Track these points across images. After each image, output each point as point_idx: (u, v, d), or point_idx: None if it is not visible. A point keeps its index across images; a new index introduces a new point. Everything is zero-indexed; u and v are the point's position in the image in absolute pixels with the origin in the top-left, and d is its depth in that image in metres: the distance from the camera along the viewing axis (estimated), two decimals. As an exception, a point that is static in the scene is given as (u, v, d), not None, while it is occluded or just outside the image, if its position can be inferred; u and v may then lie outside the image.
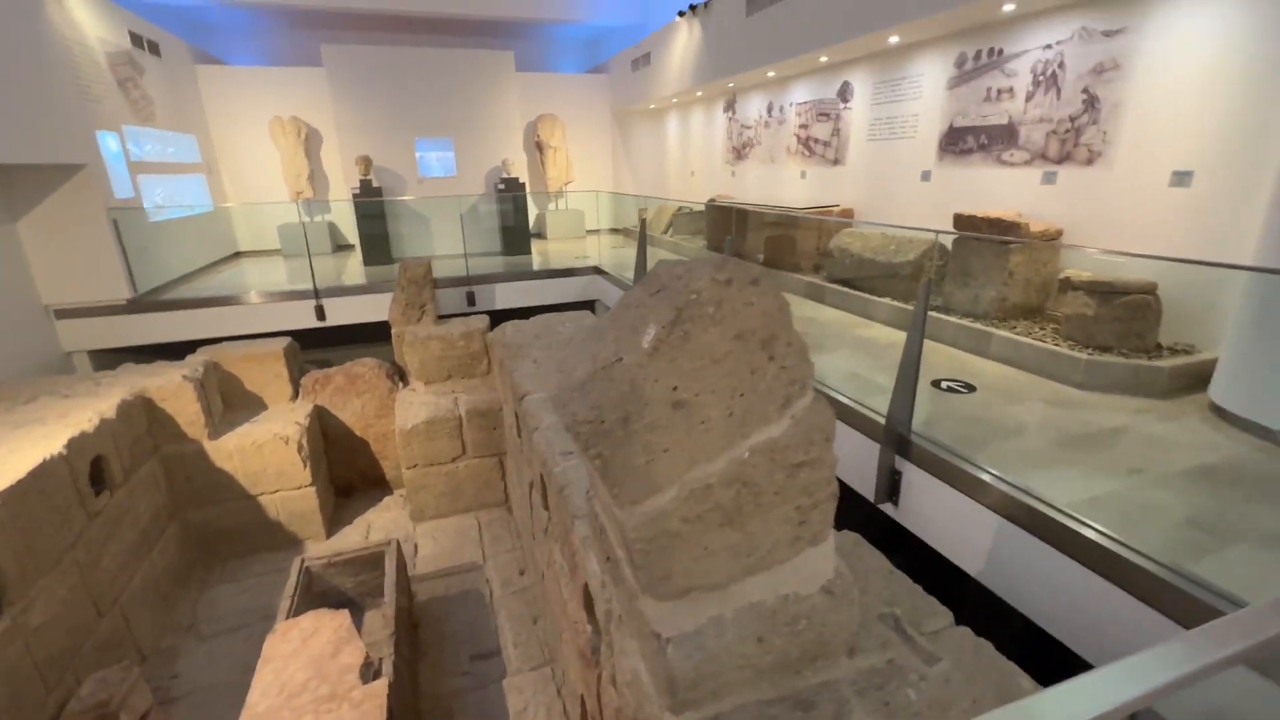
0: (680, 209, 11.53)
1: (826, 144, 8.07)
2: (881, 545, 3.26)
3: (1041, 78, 5.08)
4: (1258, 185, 3.62)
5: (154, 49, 8.95)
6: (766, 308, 1.48)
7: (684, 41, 9.79)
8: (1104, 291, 4.03)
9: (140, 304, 7.12)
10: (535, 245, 11.89)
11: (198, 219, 9.93)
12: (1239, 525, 2.44)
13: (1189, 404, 3.62)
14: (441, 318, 6.78)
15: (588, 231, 13.14)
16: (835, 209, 7.63)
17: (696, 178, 12.29)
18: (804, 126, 8.54)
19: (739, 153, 10.54)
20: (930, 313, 5.18)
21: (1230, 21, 3.88)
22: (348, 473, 6.18)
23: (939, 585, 2.87)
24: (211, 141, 10.89)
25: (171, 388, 4.63)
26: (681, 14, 9.45)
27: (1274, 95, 3.63)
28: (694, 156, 12.31)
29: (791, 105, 8.77)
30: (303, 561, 4.09)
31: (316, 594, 4.11)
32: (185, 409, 4.68)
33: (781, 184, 9.29)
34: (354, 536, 5.46)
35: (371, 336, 7.74)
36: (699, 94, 10.78)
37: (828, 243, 6.86)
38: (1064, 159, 4.98)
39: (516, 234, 10.73)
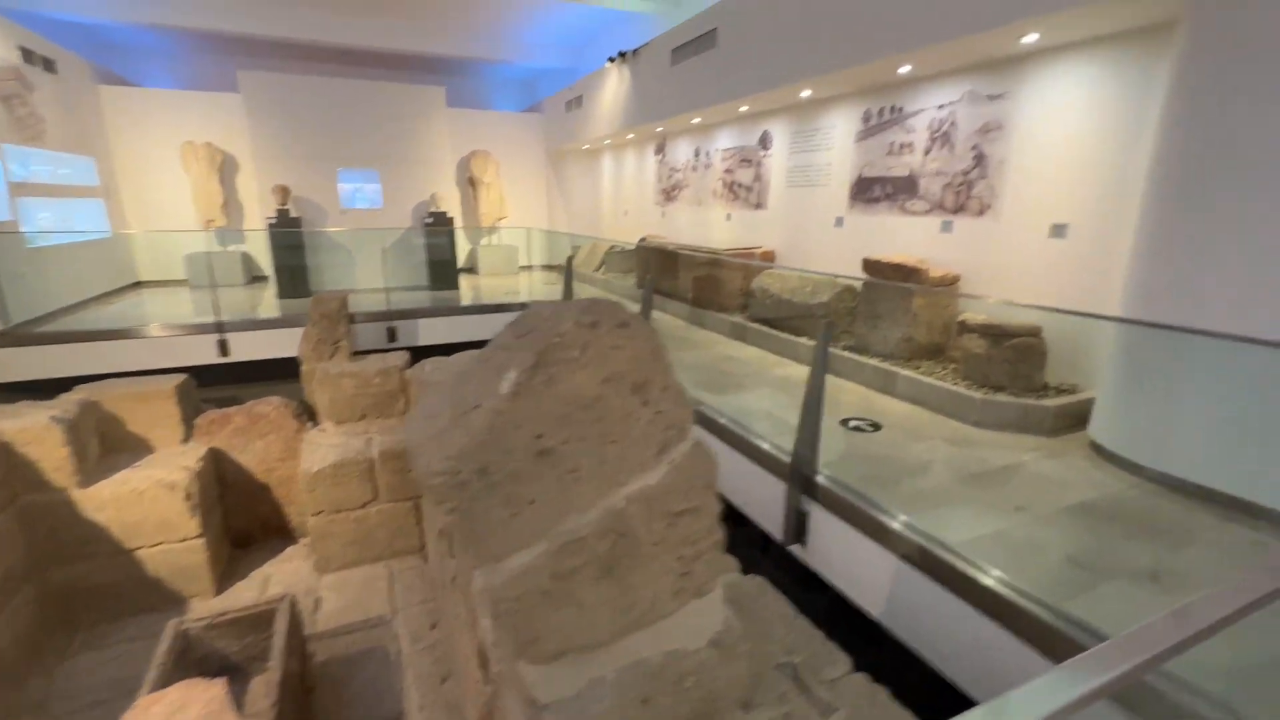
0: (613, 248, 11.65)
1: (749, 189, 8.39)
2: (798, 585, 3.26)
3: (937, 134, 5.47)
4: (1123, 238, 3.96)
5: (49, 66, 8.40)
6: (637, 351, 1.45)
7: (614, 86, 10.05)
8: (995, 334, 4.29)
9: (12, 337, 6.48)
10: (466, 280, 11.70)
11: (91, 245, 9.23)
12: (1114, 561, 2.57)
13: (1073, 441, 3.85)
14: (359, 354, 6.49)
15: (521, 268, 13.06)
16: (758, 251, 7.88)
17: (629, 217, 12.49)
18: (729, 171, 8.85)
19: (669, 194, 10.80)
20: (843, 353, 5.38)
21: (1092, 88, 4.31)
22: (246, 521, 5.71)
23: (851, 625, 2.88)
24: (113, 165, 10.23)
25: (35, 430, 4.18)
26: (611, 60, 9.72)
27: (1132, 155, 4.01)
28: (627, 197, 12.53)
29: (717, 151, 9.09)
30: (179, 623, 3.70)
31: (194, 661, 3.71)
32: (51, 454, 4.22)
33: (708, 226, 9.55)
34: (249, 592, 5.01)
35: (284, 373, 7.31)
36: (630, 137, 11.04)
37: (751, 284, 7.06)
38: (959, 210, 5.34)
39: (444, 268, 10.53)
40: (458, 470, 1.26)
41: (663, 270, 8.94)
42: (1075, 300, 4.43)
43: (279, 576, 5.19)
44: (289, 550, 5.57)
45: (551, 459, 1.36)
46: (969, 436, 3.97)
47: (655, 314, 8.57)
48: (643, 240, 10.65)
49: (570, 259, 7.17)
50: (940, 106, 5.42)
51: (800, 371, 5.58)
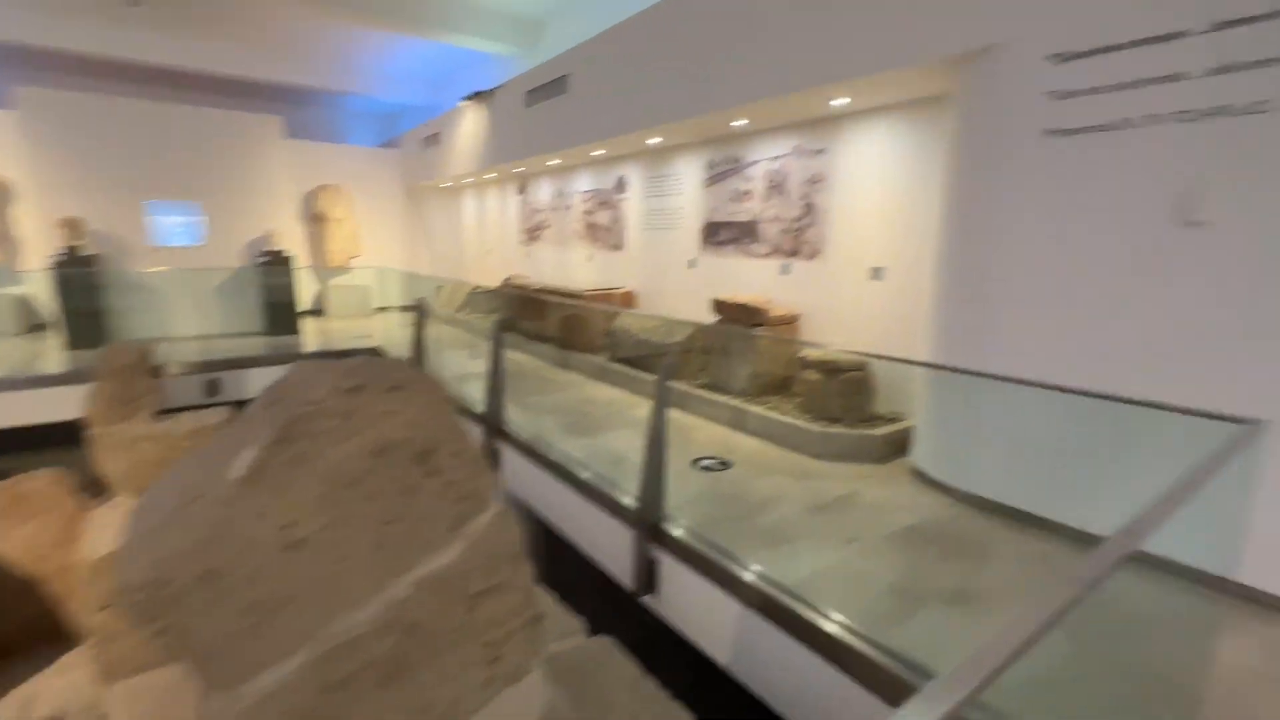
0: (476, 288, 11.31)
1: (609, 230, 8.53)
2: (658, 635, 3.16)
3: (772, 184, 5.90)
4: (929, 280, 4.43)
5: None
6: (415, 416, 1.29)
7: (471, 125, 9.90)
8: (829, 369, 4.59)
9: None
10: (313, 324, 10.77)
11: None
12: (930, 586, 2.75)
13: (899, 467, 4.17)
14: (168, 412, 5.61)
15: (376, 309, 12.26)
16: (618, 291, 7.98)
17: (494, 256, 12.23)
18: (588, 213, 8.97)
19: (532, 234, 10.73)
20: (699, 391, 5.51)
21: (895, 147, 4.88)
22: (7, 626, 4.63)
23: (711, 676, 2.82)
24: None
25: None
26: (467, 99, 9.57)
27: (931, 206, 4.51)
28: (491, 236, 12.30)
29: (577, 192, 9.20)
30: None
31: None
32: None
33: (571, 266, 9.57)
34: (3, 717, 4.02)
35: (69, 440, 6.14)
36: (492, 175, 10.89)
37: (612, 324, 7.09)
38: (794, 253, 5.76)
39: (283, 311, 9.58)
40: (168, 580, 1.01)
41: (526, 311, 8.78)
42: (893, 335, 4.89)
43: (50, 693, 4.22)
44: (67, 658, 4.57)
45: (309, 550, 1.15)
46: (810, 469, 4.16)
47: (519, 356, 8.36)
48: (507, 280, 10.44)
49: (421, 303, 6.79)
50: (774, 159, 5.86)
51: (659, 411, 5.62)
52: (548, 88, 7.60)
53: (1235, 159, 2.59)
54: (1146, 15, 2.75)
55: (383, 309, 12.32)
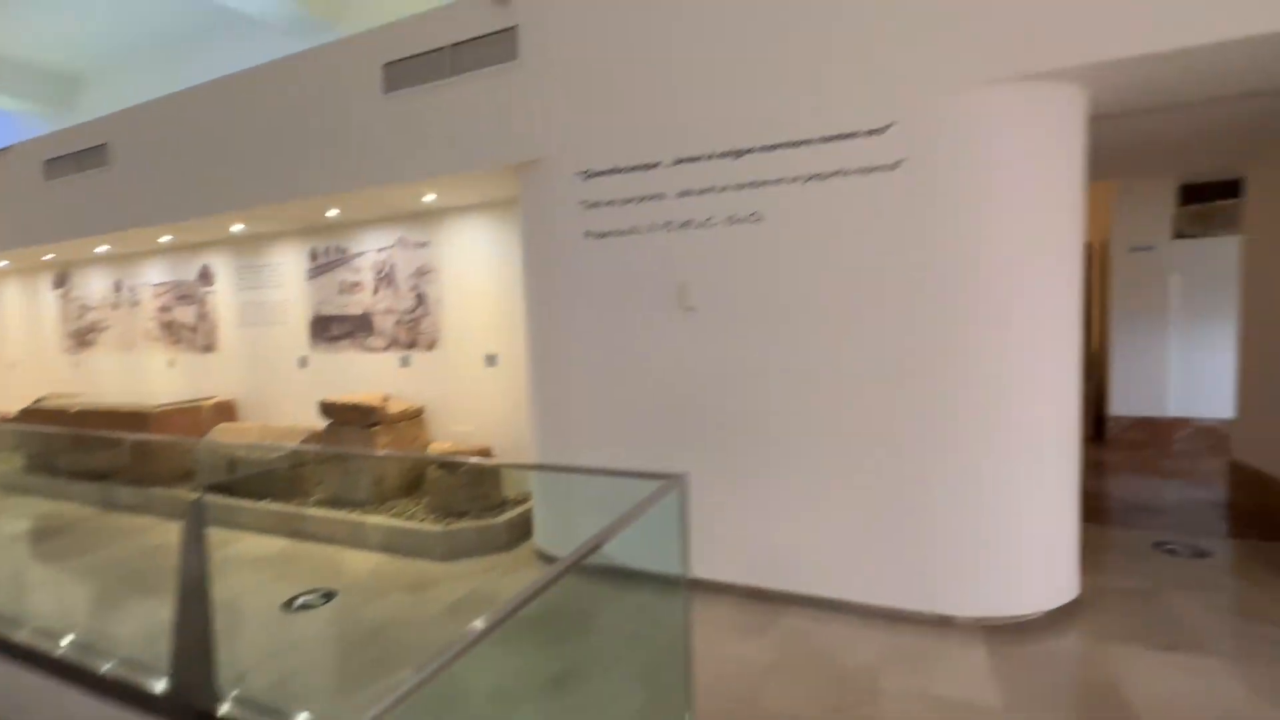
0: (-16, 416, 8.05)
1: (194, 329, 7.05)
2: None
3: (381, 275, 5.66)
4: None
5: None
6: None
7: (-42, 197, 7.23)
8: (451, 463, 4.43)
9: None
10: None
11: None
12: (531, 678, 2.68)
13: (526, 551, 4.16)
14: None
15: None
16: (208, 402, 6.56)
17: (20, 371, 8.99)
18: (164, 309, 7.29)
19: (82, 339, 8.24)
20: (313, 511, 4.75)
21: (489, 240, 5.15)
22: None
23: None
24: None
25: None
26: (-54, 162, 6.99)
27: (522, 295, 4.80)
28: (13, 344, 9.05)
29: (146, 285, 7.43)
30: None
31: None
32: None
33: (145, 375, 7.59)
34: None
35: None
36: (4, 264, 8.07)
37: (197, 446, 5.73)
38: (412, 344, 5.56)
39: None
40: None
41: (74, 441, 6.56)
42: (511, 416, 5.00)
43: None
44: None
45: None
46: (433, 575, 3.85)
47: (61, 507, 6.12)
48: (39, 402, 7.69)
49: None
50: (380, 250, 5.64)
51: (260, 546, 4.64)
52: (79, 157, 6.01)
53: (700, 259, 3.37)
54: (635, 147, 3.46)
55: None
